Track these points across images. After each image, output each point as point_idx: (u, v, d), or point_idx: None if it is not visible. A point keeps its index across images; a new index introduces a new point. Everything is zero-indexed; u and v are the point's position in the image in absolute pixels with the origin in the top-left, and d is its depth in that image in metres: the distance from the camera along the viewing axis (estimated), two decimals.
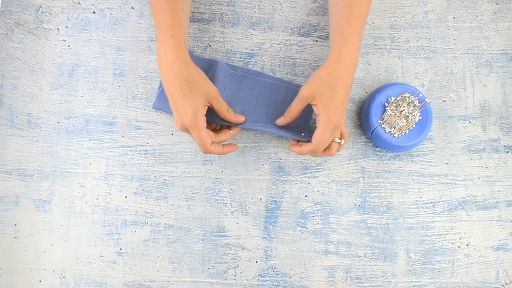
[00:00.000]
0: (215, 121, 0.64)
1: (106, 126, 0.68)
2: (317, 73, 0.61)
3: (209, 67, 0.68)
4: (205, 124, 0.58)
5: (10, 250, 0.65)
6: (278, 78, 0.69)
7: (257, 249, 0.66)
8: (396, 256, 0.66)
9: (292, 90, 0.68)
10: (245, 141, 0.68)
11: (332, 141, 0.61)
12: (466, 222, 0.67)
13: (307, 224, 0.67)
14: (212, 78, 0.66)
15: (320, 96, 0.59)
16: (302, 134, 0.65)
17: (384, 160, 0.68)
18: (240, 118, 0.63)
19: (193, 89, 0.57)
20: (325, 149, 0.61)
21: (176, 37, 0.58)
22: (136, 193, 0.67)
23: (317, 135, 0.59)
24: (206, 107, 0.59)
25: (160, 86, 0.68)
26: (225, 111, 0.61)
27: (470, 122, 0.70)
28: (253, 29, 0.71)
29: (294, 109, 0.62)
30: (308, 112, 0.66)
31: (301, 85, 0.69)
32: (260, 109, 0.67)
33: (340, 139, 0.61)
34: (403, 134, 0.65)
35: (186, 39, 0.61)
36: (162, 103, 0.67)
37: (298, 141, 0.65)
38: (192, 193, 0.67)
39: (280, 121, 0.64)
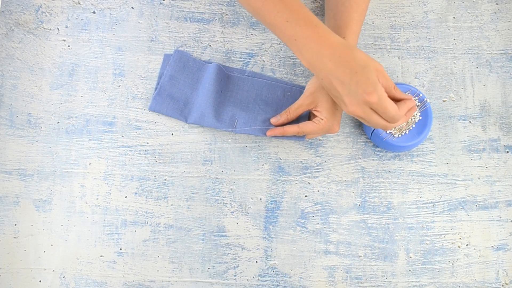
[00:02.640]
0: (208, 125, 0.66)
1: (106, 126, 0.68)
2: (318, 81, 0.61)
3: (205, 70, 0.68)
4: (387, 95, 0.53)
5: (10, 250, 0.65)
6: (275, 78, 0.69)
7: (257, 249, 0.66)
8: (396, 256, 0.66)
9: (289, 89, 0.68)
10: (245, 141, 0.68)
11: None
12: (466, 222, 0.67)
13: (307, 224, 0.67)
14: (209, 81, 0.66)
15: (323, 105, 0.60)
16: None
17: (384, 160, 0.68)
18: (407, 96, 0.57)
19: (363, 65, 0.52)
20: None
21: (319, 26, 0.54)
22: (136, 193, 0.67)
23: (309, 128, 0.61)
24: (379, 80, 0.53)
25: (156, 87, 0.68)
26: (393, 88, 0.55)
27: (470, 122, 0.70)
28: (253, 29, 0.71)
29: (294, 112, 0.62)
30: (307, 113, 0.66)
31: (299, 85, 0.69)
32: (258, 110, 0.67)
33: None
34: (403, 134, 0.65)
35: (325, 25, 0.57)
36: (158, 105, 0.67)
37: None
38: (192, 193, 0.67)
39: (276, 120, 0.64)
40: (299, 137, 0.65)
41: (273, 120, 0.64)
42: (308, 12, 0.55)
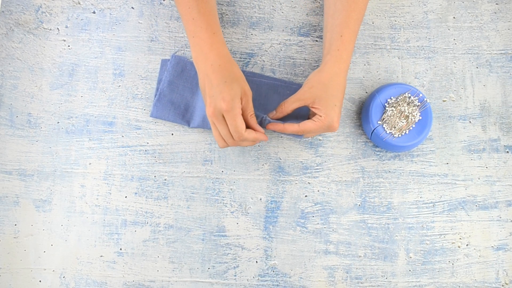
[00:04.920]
0: (206, 127, 0.66)
1: (106, 126, 0.68)
2: (317, 77, 0.61)
3: None
4: (240, 111, 0.58)
5: (10, 250, 0.65)
6: (274, 78, 0.69)
7: (257, 249, 0.66)
8: (396, 256, 0.66)
9: (289, 88, 0.68)
10: None
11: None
12: (466, 222, 0.67)
13: (307, 224, 0.67)
14: None
15: (322, 101, 0.60)
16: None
17: (384, 160, 0.68)
18: (259, 129, 0.62)
19: (234, 79, 0.58)
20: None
21: (218, 35, 0.60)
22: (136, 193, 0.67)
23: (309, 127, 0.60)
24: (241, 100, 0.59)
25: (156, 94, 0.68)
26: (249, 115, 0.61)
27: (470, 122, 0.70)
28: (253, 29, 0.71)
29: (288, 107, 0.62)
30: (307, 112, 0.66)
31: (298, 84, 0.69)
32: (257, 109, 0.67)
33: None
34: (403, 134, 0.65)
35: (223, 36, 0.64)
36: (159, 111, 0.67)
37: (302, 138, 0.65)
38: (192, 193, 0.67)
39: (272, 114, 0.64)
40: (299, 136, 0.65)
41: (270, 115, 0.64)
42: (214, 19, 0.61)
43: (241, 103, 0.59)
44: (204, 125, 0.66)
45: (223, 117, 0.58)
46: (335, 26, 0.62)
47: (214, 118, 0.58)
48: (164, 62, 0.69)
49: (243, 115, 0.61)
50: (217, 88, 0.58)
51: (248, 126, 0.61)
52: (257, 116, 0.63)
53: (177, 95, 0.68)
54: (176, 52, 0.69)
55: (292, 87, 0.68)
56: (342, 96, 0.61)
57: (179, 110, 0.67)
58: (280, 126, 0.62)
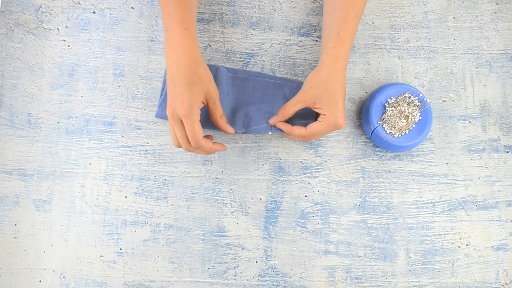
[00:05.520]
0: (207, 127, 0.65)
1: (106, 126, 0.68)
2: (316, 76, 0.60)
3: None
4: (199, 118, 0.58)
5: (10, 250, 0.65)
6: (279, 77, 0.69)
7: (257, 249, 0.66)
8: (396, 256, 0.66)
9: (295, 87, 0.68)
10: (245, 141, 0.68)
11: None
12: (466, 222, 0.67)
13: (307, 224, 0.67)
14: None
15: (322, 99, 0.59)
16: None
17: (384, 160, 0.68)
18: (230, 130, 0.62)
19: (197, 82, 0.57)
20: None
21: (190, 30, 0.59)
22: (136, 193, 0.67)
23: (315, 128, 0.60)
24: (202, 104, 0.59)
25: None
26: (218, 117, 0.61)
27: (470, 122, 0.70)
28: (253, 29, 0.71)
29: (289, 110, 0.62)
30: (312, 114, 0.66)
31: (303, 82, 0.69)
32: (265, 110, 0.66)
33: None
34: (403, 134, 0.65)
35: (196, 33, 0.62)
36: (164, 111, 0.67)
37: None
38: (192, 193, 0.67)
39: (273, 120, 0.63)
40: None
41: (271, 121, 0.63)
42: (189, 15, 0.59)
43: (208, 106, 0.60)
44: (211, 126, 0.66)
45: (181, 121, 0.57)
46: (332, 24, 0.62)
47: (172, 121, 0.58)
48: None
49: (212, 118, 0.61)
50: (178, 90, 0.57)
51: (218, 128, 0.62)
52: (241, 118, 0.64)
53: None
54: None
55: (299, 87, 0.68)
56: (343, 93, 0.60)
57: None
58: (288, 127, 0.62)
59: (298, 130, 0.61)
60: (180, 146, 0.60)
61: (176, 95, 0.57)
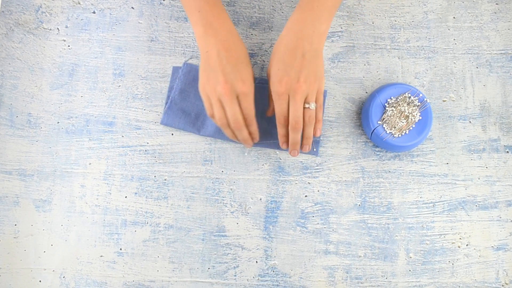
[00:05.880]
0: (219, 137, 0.66)
1: (106, 126, 0.68)
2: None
3: None
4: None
5: (10, 250, 0.65)
6: None
7: (257, 249, 0.66)
8: (396, 256, 0.66)
9: None
10: None
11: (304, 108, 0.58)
12: (466, 222, 0.67)
13: (307, 224, 0.67)
14: None
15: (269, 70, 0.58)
16: (314, 149, 0.67)
17: (384, 160, 0.68)
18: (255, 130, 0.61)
19: (248, 62, 0.56)
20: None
21: (223, 10, 0.58)
22: (136, 193, 0.67)
23: (274, 108, 0.59)
24: None
25: (167, 102, 0.67)
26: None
27: (470, 122, 0.70)
28: (253, 29, 0.71)
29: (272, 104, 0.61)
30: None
31: None
32: (272, 119, 0.65)
33: (309, 103, 0.58)
34: (403, 134, 0.65)
35: None
36: (170, 118, 0.67)
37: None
38: (192, 193, 0.67)
39: (269, 113, 0.64)
40: (312, 152, 0.67)
41: (268, 114, 0.63)
42: (221, 7, 0.59)
43: None
44: (219, 136, 0.66)
45: (237, 98, 0.56)
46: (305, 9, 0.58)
47: (227, 97, 0.55)
48: (175, 70, 0.68)
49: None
50: (234, 67, 0.55)
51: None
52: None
53: (189, 103, 0.67)
54: (187, 60, 0.69)
55: None
56: (290, 60, 0.55)
57: (190, 118, 0.67)
58: (297, 150, 0.62)
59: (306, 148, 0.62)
60: (227, 126, 0.58)
61: (231, 72, 0.55)
